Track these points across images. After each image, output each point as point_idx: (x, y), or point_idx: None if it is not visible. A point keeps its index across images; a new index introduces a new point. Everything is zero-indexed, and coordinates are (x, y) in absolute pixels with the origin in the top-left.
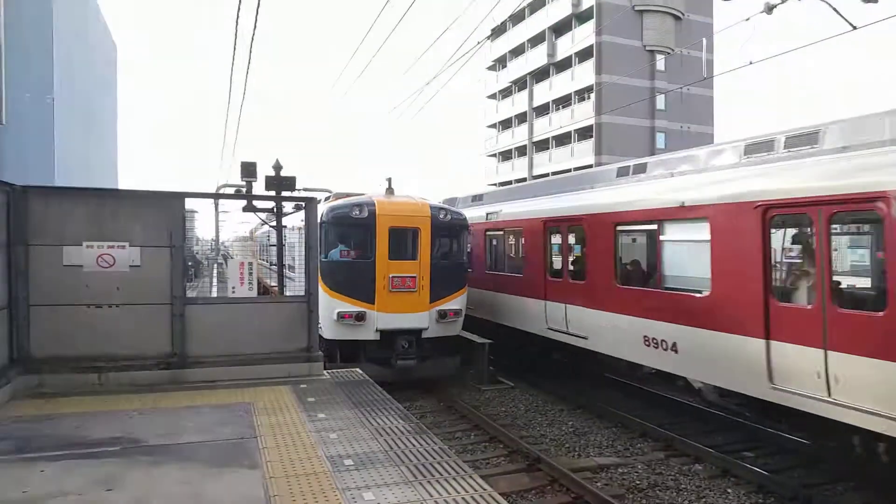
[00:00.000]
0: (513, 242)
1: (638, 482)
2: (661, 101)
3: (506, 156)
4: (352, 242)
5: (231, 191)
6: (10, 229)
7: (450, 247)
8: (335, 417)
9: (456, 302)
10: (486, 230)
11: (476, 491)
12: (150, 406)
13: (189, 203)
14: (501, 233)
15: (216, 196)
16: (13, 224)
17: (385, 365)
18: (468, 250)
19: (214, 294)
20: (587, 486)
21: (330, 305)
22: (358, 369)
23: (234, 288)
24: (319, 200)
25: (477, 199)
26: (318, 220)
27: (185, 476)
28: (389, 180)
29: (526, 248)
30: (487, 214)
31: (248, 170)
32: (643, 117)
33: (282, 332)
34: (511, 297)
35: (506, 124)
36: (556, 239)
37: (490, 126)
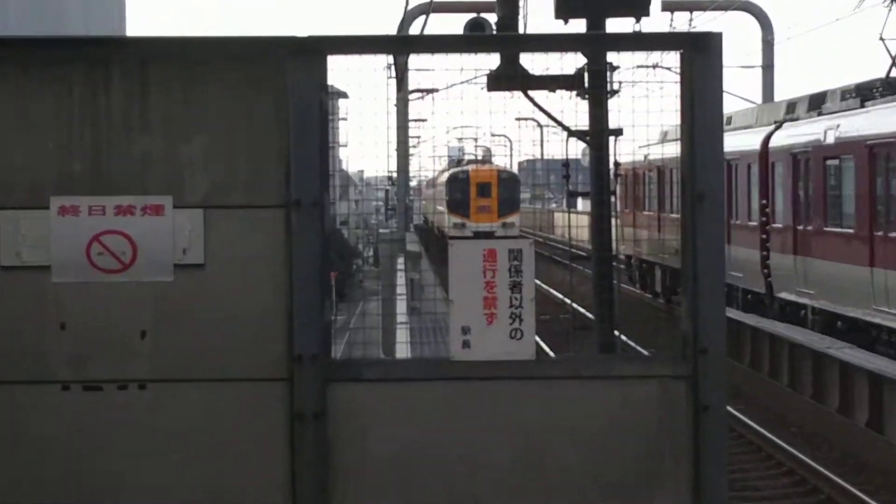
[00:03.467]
0: None
1: None
2: None
3: None
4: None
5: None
6: None
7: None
8: None
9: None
10: None
11: None
12: None
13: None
14: None
15: (409, 42)
16: None
17: None
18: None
19: (406, 348)
20: None
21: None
22: None
23: (466, 332)
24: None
25: None
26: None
27: None
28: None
29: None
30: None
31: None
32: None
33: (622, 480)
34: None
35: None
36: None
37: None
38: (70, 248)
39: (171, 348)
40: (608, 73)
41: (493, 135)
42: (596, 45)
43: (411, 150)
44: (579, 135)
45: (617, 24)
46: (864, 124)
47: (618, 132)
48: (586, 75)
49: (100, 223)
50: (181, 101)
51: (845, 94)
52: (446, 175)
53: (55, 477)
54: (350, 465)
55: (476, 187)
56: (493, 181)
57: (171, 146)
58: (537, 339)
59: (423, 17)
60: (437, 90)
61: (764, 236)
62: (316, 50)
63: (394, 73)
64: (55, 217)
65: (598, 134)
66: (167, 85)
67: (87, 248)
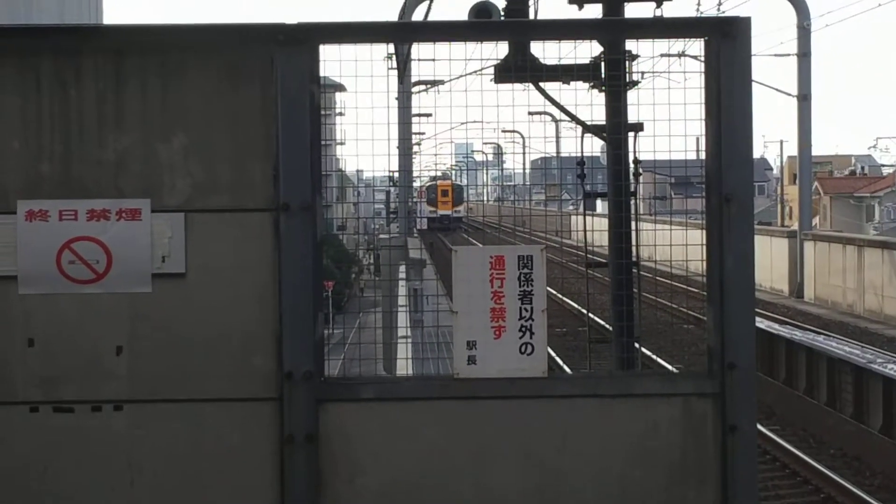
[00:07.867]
0: None
1: None
2: None
3: None
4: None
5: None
6: None
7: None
8: None
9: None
10: None
11: None
12: None
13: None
14: None
15: (407, 29)
16: None
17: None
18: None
19: (407, 365)
20: None
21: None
22: None
23: (472, 346)
24: None
25: None
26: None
27: None
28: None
29: None
30: None
31: None
32: None
33: None
34: None
35: None
36: None
37: None
38: (38, 256)
39: (149, 366)
40: (626, 63)
41: (503, 131)
42: (612, 31)
43: (414, 148)
44: (595, 130)
45: (636, 10)
46: None
47: (638, 127)
48: (603, 65)
49: (71, 229)
50: (159, 95)
51: None
52: (427, 184)
53: None
54: (345, 493)
55: (440, 191)
56: (450, 188)
57: (148, 145)
58: (551, 353)
59: (427, 1)
60: (442, 82)
61: None
62: (306, 38)
63: (395, 64)
64: (22, 223)
65: (616, 129)
66: (144, 78)
67: (58, 256)
